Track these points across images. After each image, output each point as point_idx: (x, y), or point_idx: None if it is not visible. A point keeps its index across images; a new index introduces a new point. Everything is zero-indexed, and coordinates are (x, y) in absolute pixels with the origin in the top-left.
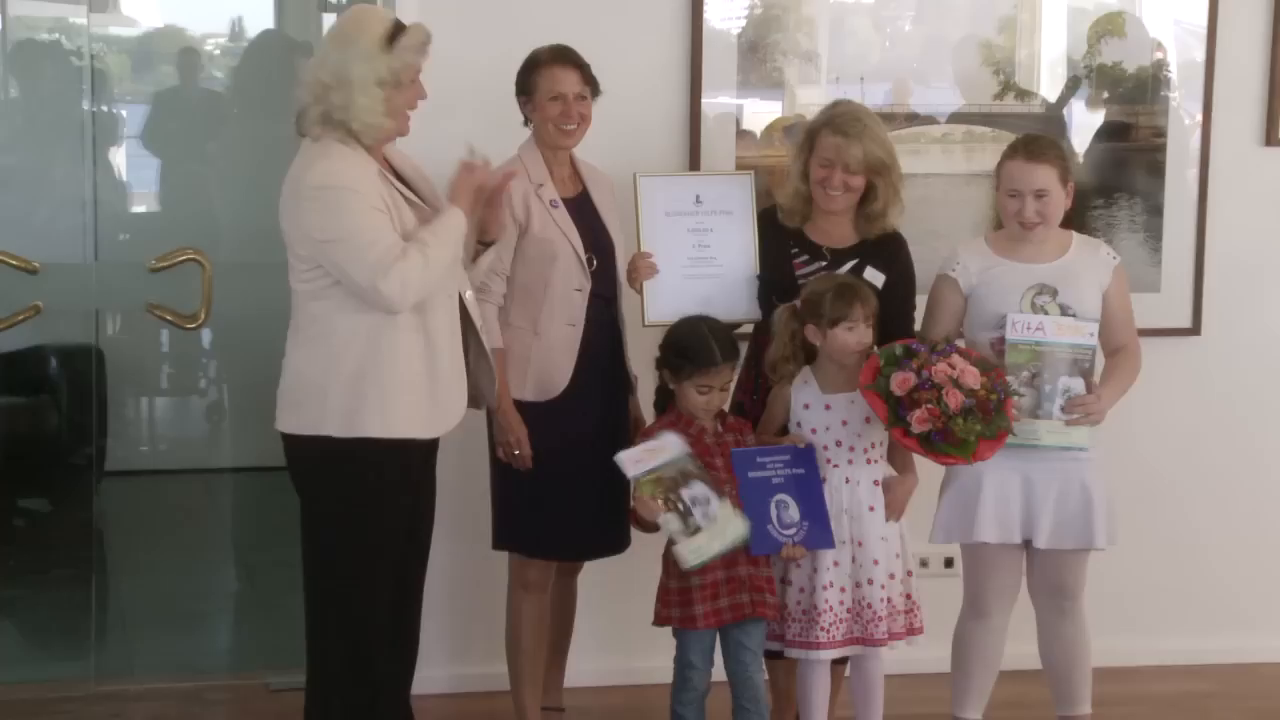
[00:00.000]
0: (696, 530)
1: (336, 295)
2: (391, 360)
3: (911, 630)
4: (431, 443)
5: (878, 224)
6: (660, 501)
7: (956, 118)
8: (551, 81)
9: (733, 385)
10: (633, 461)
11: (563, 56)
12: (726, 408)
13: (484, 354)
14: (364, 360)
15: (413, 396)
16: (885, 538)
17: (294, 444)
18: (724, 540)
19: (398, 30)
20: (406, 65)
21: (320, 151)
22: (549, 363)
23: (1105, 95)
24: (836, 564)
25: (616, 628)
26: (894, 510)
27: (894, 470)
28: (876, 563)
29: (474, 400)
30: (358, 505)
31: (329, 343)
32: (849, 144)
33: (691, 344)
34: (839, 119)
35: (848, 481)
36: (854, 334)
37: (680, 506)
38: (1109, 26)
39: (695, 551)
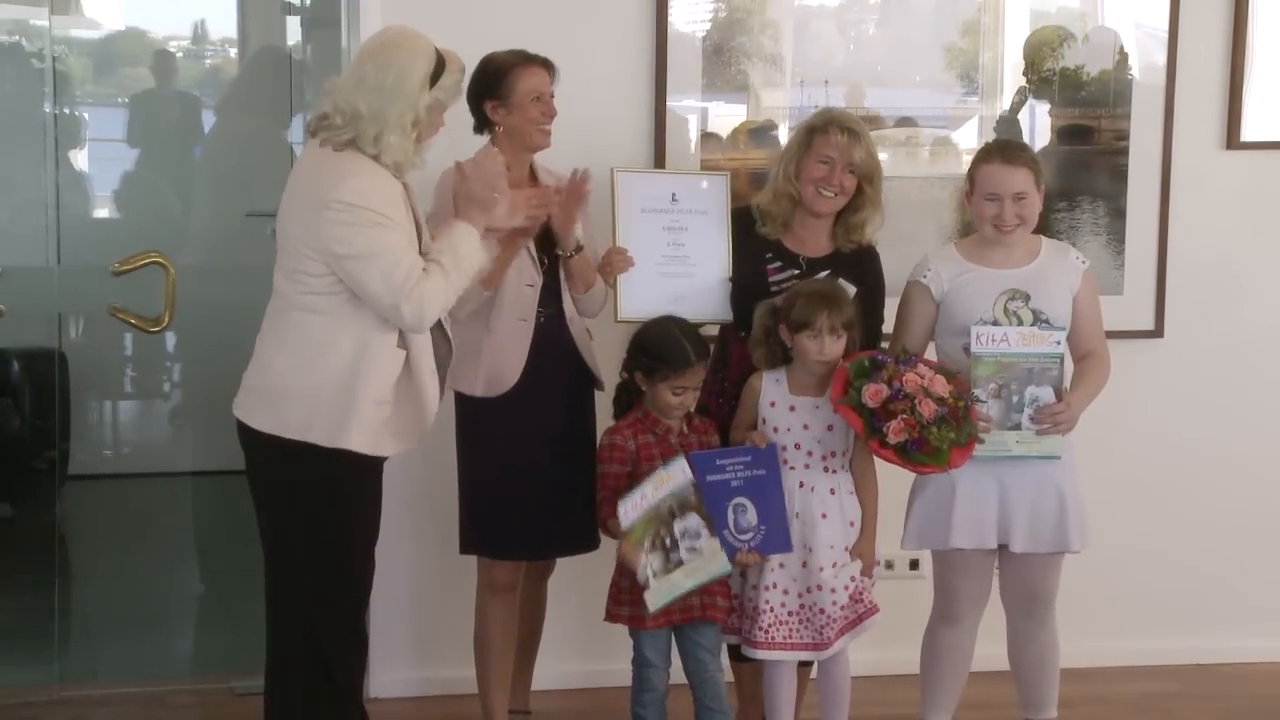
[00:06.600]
0: (678, 565)
1: (330, 306)
2: (367, 377)
3: (868, 612)
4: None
5: (856, 235)
6: (646, 543)
7: (920, 121)
8: (534, 81)
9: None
10: (633, 507)
11: (534, 57)
12: (693, 407)
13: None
14: (346, 374)
15: (385, 414)
16: (834, 545)
17: (270, 443)
18: (701, 575)
19: (440, 68)
20: (439, 103)
21: (351, 168)
22: (500, 357)
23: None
24: (783, 565)
25: (582, 630)
26: (868, 571)
27: (854, 479)
28: (821, 569)
29: None
30: (329, 513)
31: (314, 351)
32: (853, 143)
33: (665, 346)
34: (843, 117)
35: (802, 485)
36: (815, 342)
37: (667, 541)
38: (1071, 30)
39: (663, 593)
